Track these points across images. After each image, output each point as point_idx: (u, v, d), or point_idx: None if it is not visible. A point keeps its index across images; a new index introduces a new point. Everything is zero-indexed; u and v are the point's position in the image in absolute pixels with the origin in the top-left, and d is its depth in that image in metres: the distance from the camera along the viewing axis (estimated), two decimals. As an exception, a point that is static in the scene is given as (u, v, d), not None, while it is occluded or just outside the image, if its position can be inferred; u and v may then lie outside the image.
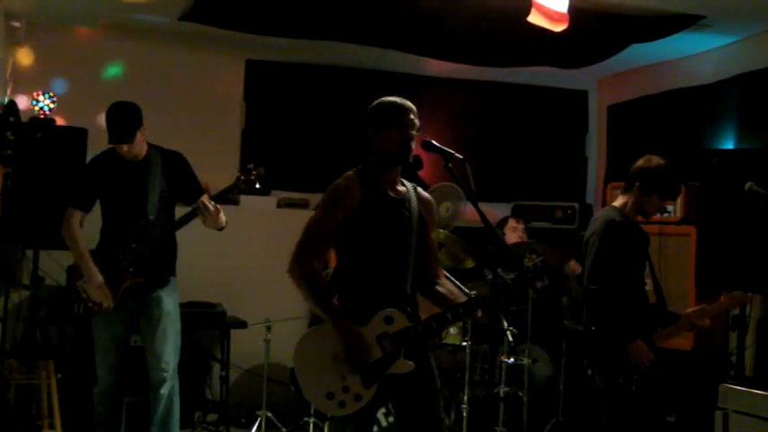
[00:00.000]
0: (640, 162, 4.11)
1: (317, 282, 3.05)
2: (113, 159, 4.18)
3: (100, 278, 4.04)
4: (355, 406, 3.01)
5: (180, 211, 4.23)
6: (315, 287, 3.04)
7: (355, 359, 2.99)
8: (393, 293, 3.12)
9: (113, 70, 6.20)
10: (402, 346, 3.06)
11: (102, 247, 4.16)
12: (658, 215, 5.47)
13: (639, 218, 4.13)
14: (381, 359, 3.04)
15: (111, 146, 4.14)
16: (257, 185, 4.12)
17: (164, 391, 4.13)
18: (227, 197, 4.13)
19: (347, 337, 2.99)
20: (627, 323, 3.92)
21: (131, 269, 4.07)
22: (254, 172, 4.12)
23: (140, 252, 4.07)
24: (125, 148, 4.08)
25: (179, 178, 4.23)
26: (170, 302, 4.19)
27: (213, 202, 3.99)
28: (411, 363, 3.07)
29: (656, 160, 4.06)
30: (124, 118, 4.05)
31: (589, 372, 4.12)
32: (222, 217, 4.08)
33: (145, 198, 4.11)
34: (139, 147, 4.15)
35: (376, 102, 3.19)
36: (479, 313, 3.13)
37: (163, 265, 4.19)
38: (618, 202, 4.14)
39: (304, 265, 3.05)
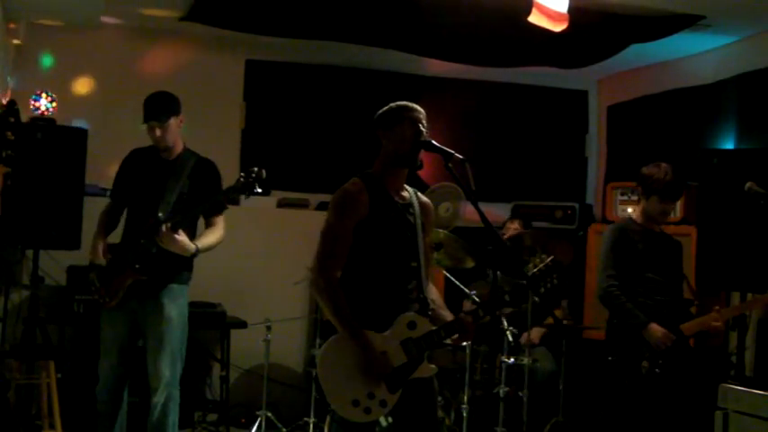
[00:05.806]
0: (642, 168, 4.32)
1: (340, 295, 3.04)
2: (148, 155, 4.18)
3: (100, 246, 4.09)
4: (381, 412, 3.01)
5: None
6: (339, 301, 3.03)
7: (376, 375, 2.99)
8: (411, 298, 3.14)
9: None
10: (426, 350, 3.08)
11: (120, 243, 4.14)
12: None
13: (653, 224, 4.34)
14: (406, 364, 3.05)
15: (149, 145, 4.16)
16: (257, 188, 3.93)
17: (158, 399, 4.03)
18: (228, 197, 4.08)
19: (368, 356, 2.99)
20: (637, 313, 4.17)
21: (136, 265, 3.99)
22: (253, 173, 3.96)
23: (146, 248, 3.98)
24: (157, 132, 4.05)
25: (203, 186, 4.13)
26: (173, 309, 4.07)
27: (171, 233, 3.88)
28: (434, 366, 3.11)
29: (653, 165, 4.26)
30: (159, 99, 4.10)
31: (609, 358, 4.31)
32: (187, 245, 3.96)
33: (161, 197, 4.04)
34: (173, 137, 4.10)
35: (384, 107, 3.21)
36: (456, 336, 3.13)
37: (168, 266, 4.06)
38: (632, 212, 4.29)
39: (328, 277, 3.03)
